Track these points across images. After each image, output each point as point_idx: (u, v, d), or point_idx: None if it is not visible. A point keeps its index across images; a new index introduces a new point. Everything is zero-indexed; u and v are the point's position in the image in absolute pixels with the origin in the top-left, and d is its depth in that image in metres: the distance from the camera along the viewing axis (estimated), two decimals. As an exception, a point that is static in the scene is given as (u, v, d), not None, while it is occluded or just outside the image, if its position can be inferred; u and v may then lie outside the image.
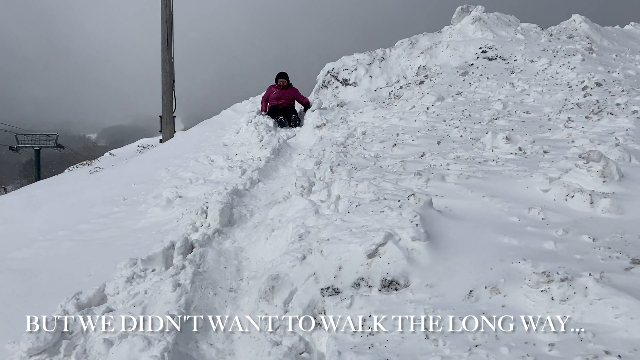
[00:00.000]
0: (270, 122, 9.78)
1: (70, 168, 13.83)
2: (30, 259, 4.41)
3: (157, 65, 14.63)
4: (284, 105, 10.30)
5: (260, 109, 10.74)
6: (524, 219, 3.14)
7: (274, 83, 10.84)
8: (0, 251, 4.67)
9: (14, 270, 4.13)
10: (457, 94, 7.70)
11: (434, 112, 6.88)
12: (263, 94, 11.27)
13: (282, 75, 10.83)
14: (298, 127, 9.86)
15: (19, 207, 7.14)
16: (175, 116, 14.70)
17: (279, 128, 9.71)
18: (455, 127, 5.87)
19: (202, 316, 3.01)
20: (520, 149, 4.65)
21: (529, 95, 7.01)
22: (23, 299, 3.61)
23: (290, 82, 10.76)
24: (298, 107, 10.74)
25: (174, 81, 14.56)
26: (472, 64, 9.33)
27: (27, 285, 3.85)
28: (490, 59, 9.37)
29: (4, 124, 34.16)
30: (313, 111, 9.77)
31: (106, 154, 14.65)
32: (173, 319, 2.77)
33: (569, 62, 8.08)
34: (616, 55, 8.60)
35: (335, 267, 2.88)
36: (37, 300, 3.54)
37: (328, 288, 2.80)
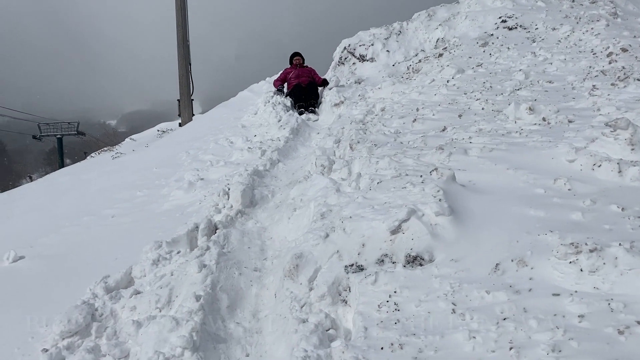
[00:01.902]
0: (288, 101, 9.60)
1: (93, 154, 14.05)
2: (58, 244, 4.49)
3: (173, 49, 14.65)
4: (306, 84, 9.86)
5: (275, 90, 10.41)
6: (549, 190, 3.09)
7: (288, 66, 10.62)
8: (29, 237, 4.76)
9: (43, 256, 4.21)
10: (478, 66, 7.54)
11: (454, 85, 6.76)
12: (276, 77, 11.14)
13: (297, 54, 10.62)
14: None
15: (45, 194, 7.27)
16: (193, 99, 14.76)
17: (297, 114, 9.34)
18: (477, 100, 5.76)
19: (228, 296, 3.04)
20: (544, 119, 4.55)
21: (551, 64, 6.83)
22: (53, 284, 3.69)
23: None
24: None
25: (190, 64, 14.58)
26: (492, 35, 9.11)
27: (56, 270, 3.92)
28: (510, 29, 9.13)
29: (27, 114, 34.67)
30: (330, 89, 9.65)
31: (127, 140, 14.85)
32: (200, 299, 2.80)
33: (592, 28, 7.84)
34: (642, 19, 8.32)
35: (358, 244, 2.87)
36: (67, 285, 3.60)
37: (352, 265, 2.80)
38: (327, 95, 9.45)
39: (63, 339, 2.81)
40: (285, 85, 10.32)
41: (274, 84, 10.52)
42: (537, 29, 8.78)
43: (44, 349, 2.75)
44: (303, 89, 9.71)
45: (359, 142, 5.17)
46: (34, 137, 37.20)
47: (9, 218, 6.00)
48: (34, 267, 4.01)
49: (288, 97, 9.73)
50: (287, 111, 8.96)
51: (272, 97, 9.81)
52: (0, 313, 3.30)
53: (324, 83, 10.20)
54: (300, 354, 2.17)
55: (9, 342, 2.93)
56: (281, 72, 10.71)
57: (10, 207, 6.67)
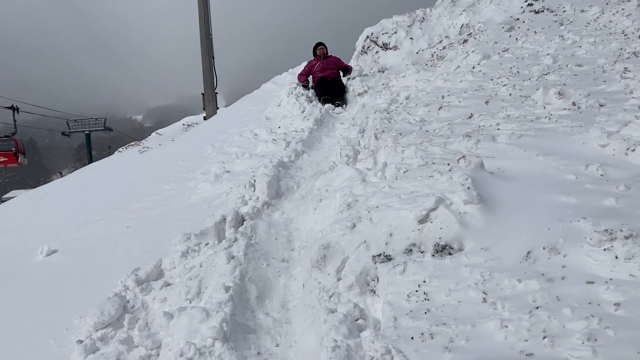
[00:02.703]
0: (311, 92, 9.56)
1: (120, 149, 14.26)
2: (90, 238, 4.57)
3: (196, 43, 14.74)
4: (331, 77, 9.67)
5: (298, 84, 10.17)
6: (581, 176, 3.01)
7: (312, 58, 10.41)
8: (61, 232, 4.87)
9: (74, 250, 4.29)
10: (504, 51, 7.40)
11: (480, 71, 6.64)
12: (299, 68, 11.03)
13: (321, 44, 10.40)
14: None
15: (75, 189, 7.41)
16: (217, 93, 14.85)
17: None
18: (504, 85, 5.65)
19: (256, 286, 3.05)
20: (574, 103, 4.44)
21: (580, 47, 6.65)
22: (85, 277, 3.76)
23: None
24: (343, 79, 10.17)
25: (213, 57, 14.65)
26: (517, 19, 8.92)
27: (88, 263, 4.01)
28: (537, 12, 8.93)
29: (56, 111, 35.36)
30: (354, 78, 9.56)
31: (153, 134, 15.02)
32: (229, 290, 2.82)
33: (623, 9, 7.61)
34: (675, -2, 8.03)
35: (385, 234, 2.85)
36: (98, 277, 3.67)
37: (380, 255, 2.78)
38: (351, 85, 9.40)
39: (97, 330, 2.87)
40: (310, 78, 10.10)
41: (299, 79, 10.24)
42: (564, 11, 8.57)
43: (79, 340, 2.81)
44: (328, 83, 9.48)
45: (384, 132, 5.13)
46: (63, 133, 37.96)
47: (41, 213, 6.14)
48: (67, 261, 4.09)
49: (313, 90, 9.55)
50: (311, 102, 8.95)
51: (295, 88, 9.80)
52: (35, 305, 3.39)
53: (346, 70, 9.99)
54: (330, 343, 2.17)
55: (44, 334, 3.01)
56: (305, 65, 10.49)
57: (43, 202, 6.83)
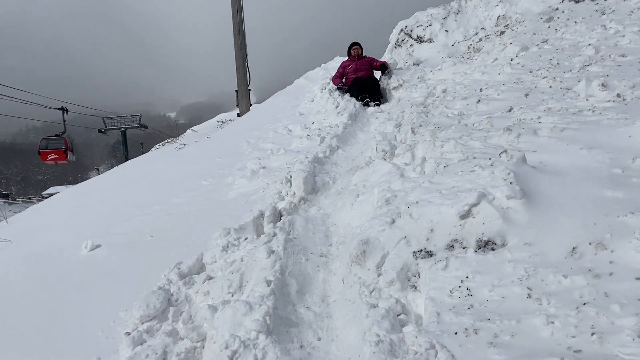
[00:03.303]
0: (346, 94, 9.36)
1: (157, 146, 14.54)
2: (132, 233, 4.68)
3: (228, 41, 14.88)
4: (365, 77, 9.31)
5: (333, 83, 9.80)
6: (628, 170, 2.93)
7: (345, 58, 10.01)
8: (104, 227, 5.00)
9: (118, 245, 4.40)
10: (543, 42, 7.22)
11: (518, 63, 6.51)
12: (331, 63, 10.85)
13: (355, 44, 9.97)
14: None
15: (116, 185, 7.61)
16: (250, 89, 14.97)
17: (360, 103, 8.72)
18: (544, 78, 5.52)
19: (296, 281, 3.09)
20: (618, 95, 4.31)
21: (624, 37, 6.44)
22: (130, 271, 3.86)
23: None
24: (377, 75, 9.78)
25: (246, 55, 14.77)
26: (557, 9, 8.70)
27: (131, 257, 4.10)
28: (577, 1, 8.68)
29: (92, 109, 36.21)
30: (388, 72, 9.45)
31: (188, 131, 15.26)
32: (270, 284, 2.86)
33: (669, -4, 7.35)
34: None
35: (426, 230, 2.84)
36: (142, 271, 3.77)
37: (420, 251, 2.77)
38: (385, 79, 9.33)
39: (143, 322, 2.95)
40: (344, 80, 9.71)
41: (333, 82, 9.79)
42: (606, 0, 8.31)
43: (127, 332, 2.89)
44: (364, 82, 9.14)
45: (421, 126, 5.10)
46: (100, 131, 38.87)
47: (83, 209, 6.32)
48: (111, 255, 4.20)
49: (348, 93, 9.10)
50: (344, 97, 8.92)
51: (329, 83, 9.78)
52: (82, 299, 3.50)
53: (383, 68, 9.60)
54: (373, 338, 2.18)
55: (92, 326, 3.10)
56: (339, 66, 10.05)
57: (84, 198, 7.03)
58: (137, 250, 4.26)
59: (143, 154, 25.56)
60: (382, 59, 10.87)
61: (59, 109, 26.80)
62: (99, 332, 3.03)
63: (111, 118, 39.43)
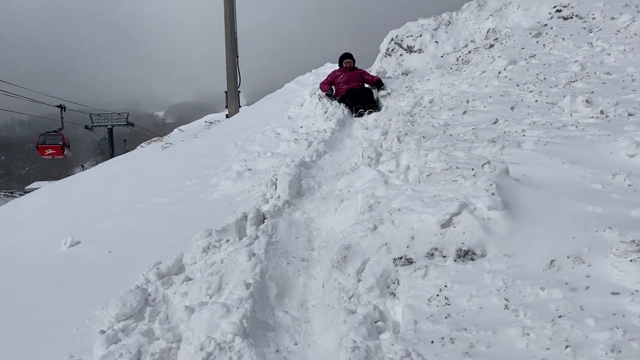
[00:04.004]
0: (335, 103, 9.32)
1: (143, 144, 14.44)
2: (113, 230, 4.64)
3: (219, 42, 14.86)
4: (359, 89, 9.17)
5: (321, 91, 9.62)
6: (608, 185, 2.97)
7: (336, 65, 9.83)
8: (85, 224, 4.95)
9: (98, 242, 4.36)
10: (531, 57, 7.31)
11: (505, 76, 6.58)
12: (322, 69, 10.79)
13: (348, 56, 9.79)
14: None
15: (99, 182, 7.53)
16: (240, 91, 14.95)
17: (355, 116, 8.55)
18: (530, 92, 5.59)
19: (276, 284, 3.07)
20: (602, 112, 4.38)
21: (609, 55, 6.55)
22: (108, 268, 3.82)
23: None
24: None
25: (237, 57, 14.76)
26: (545, 25, 8.81)
27: (110, 255, 4.06)
28: (565, 18, 8.81)
29: (79, 104, 35.89)
30: (384, 88, 9.24)
31: (175, 130, 15.19)
32: (249, 287, 2.84)
33: (654, 17, 7.49)
34: None
35: (407, 237, 2.85)
36: (121, 269, 3.72)
37: (401, 258, 2.78)
38: (373, 88, 9.35)
39: (118, 321, 2.92)
40: (333, 88, 9.60)
41: (322, 88, 9.65)
42: (594, 18, 8.44)
43: (102, 330, 2.86)
44: (358, 93, 9.00)
45: (407, 134, 5.12)
46: (86, 127, 38.51)
47: (65, 204, 6.25)
48: (90, 252, 4.16)
49: (341, 103, 8.92)
50: (333, 103, 8.94)
51: (318, 88, 9.80)
52: (59, 296, 3.45)
53: (379, 84, 9.36)
54: (350, 344, 2.17)
55: (67, 323, 3.05)
56: (329, 74, 9.95)
57: (66, 194, 6.95)
58: (117, 248, 4.22)
59: (127, 151, 25.92)
60: (372, 68, 10.94)
61: (57, 106, 28.61)
62: (73, 329, 2.99)
63: (98, 115, 39.06)
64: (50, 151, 27.16)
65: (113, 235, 4.52)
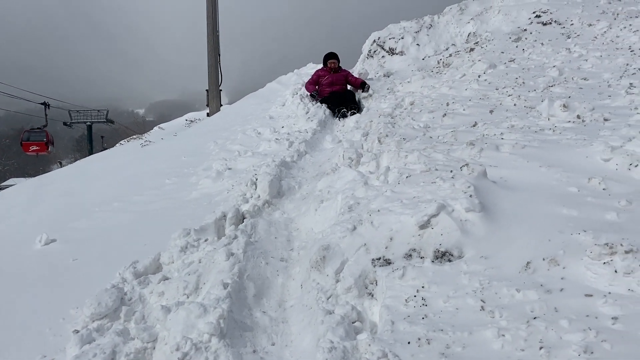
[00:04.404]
0: (318, 104, 9.31)
1: (122, 142, 14.27)
2: (89, 229, 4.58)
3: (202, 39, 14.76)
4: (342, 92, 9.08)
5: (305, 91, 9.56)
6: (583, 189, 3.02)
7: (319, 65, 9.64)
8: (61, 222, 4.87)
9: (74, 240, 4.30)
10: (510, 61, 7.40)
11: (485, 80, 6.65)
12: (304, 69, 10.70)
13: (333, 56, 9.55)
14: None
15: (75, 180, 7.42)
16: (221, 90, 14.87)
17: (338, 119, 8.44)
18: (509, 95, 5.66)
19: (254, 284, 3.06)
20: (578, 116, 4.45)
21: (586, 60, 6.66)
22: (84, 267, 3.77)
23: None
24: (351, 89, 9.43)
25: (219, 55, 14.67)
26: (525, 30, 8.92)
27: (86, 254, 4.01)
28: (544, 24, 8.93)
29: (58, 100, 35.38)
30: (367, 90, 9.24)
31: (155, 128, 15.02)
32: (227, 287, 2.83)
33: (630, 25, 7.61)
34: (683, 16, 8.05)
35: (386, 238, 2.86)
36: (97, 268, 3.68)
37: (379, 258, 2.79)
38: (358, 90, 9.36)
39: (93, 321, 2.88)
40: (317, 88, 9.44)
41: (306, 88, 9.54)
42: (572, 24, 8.58)
43: (75, 330, 2.81)
44: (341, 95, 8.91)
45: (387, 136, 5.14)
46: (65, 123, 37.91)
47: (41, 202, 6.14)
48: (65, 251, 4.09)
49: (324, 104, 8.85)
50: (315, 103, 8.94)
51: (300, 88, 9.79)
52: (32, 294, 3.39)
53: (363, 85, 9.23)
54: (327, 344, 2.17)
55: (40, 323, 3.01)
56: (313, 73, 9.83)
57: (43, 192, 6.83)
58: (93, 246, 4.17)
59: (105, 148, 25.99)
60: (354, 69, 10.94)
61: (41, 103, 29.26)
62: (47, 329, 2.94)
63: (77, 111, 38.51)
64: (35, 148, 27.65)
65: (89, 234, 4.46)
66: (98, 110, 39.33)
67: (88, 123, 38.22)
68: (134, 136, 14.80)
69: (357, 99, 9.15)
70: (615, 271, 2.18)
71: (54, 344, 2.79)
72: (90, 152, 33.48)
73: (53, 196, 6.40)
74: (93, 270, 3.67)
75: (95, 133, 40.18)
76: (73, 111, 38.10)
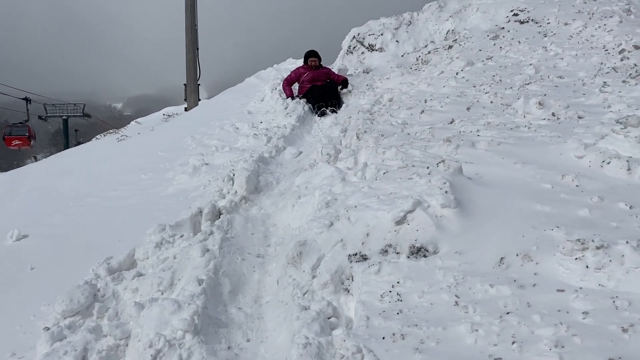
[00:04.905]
0: (295, 89, 9.38)
1: (98, 136, 14.05)
2: (62, 224, 4.50)
3: (181, 33, 14.60)
4: (321, 85, 8.88)
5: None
6: (557, 185, 3.06)
7: (299, 61, 9.61)
8: (34, 217, 4.78)
9: (47, 236, 4.22)
10: (488, 59, 7.47)
11: (463, 77, 6.70)
12: (284, 64, 10.59)
13: (314, 54, 9.41)
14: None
15: (50, 174, 7.27)
16: (199, 84, 14.73)
17: (317, 116, 8.36)
18: (486, 93, 5.71)
19: (230, 281, 3.03)
20: (553, 114, 4.51)
21: (562, 59, 6.75)
22: (56, 263, 3.70)
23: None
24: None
25: (198, 49, 14.53)
26: (503, 28, 9.01)
27: (60, 249, 3.94)
28: (522, 22, 9.02)
29: (33, 94, 34.69)
30: (350, 92, 9.10)
31: (132, 123, 14.83)
32: (202, 283, 2.80)
33: (605, 25, 7.74)
34: (656, 17, 8.22)
35: (362, 234, 2.86)
36: (70, 264, 3.62)
37: (356, 254, 2.79)
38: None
39: (65, 318, 2.83)
40: (296, 86, 9.35)
41: (285, 91, 9.23)
42: (549, 23, 8.69)
43: (46, 327, 2.76)
44: (320, 88, 8.76)
45: (365, 132, 5.15)
46: (40, 117, 37.14)
47: (13, 197, 6.01)
48: (38, 246, 4.02)
49: (304, 99, 8.70)
50: (295, 99, 8.91)
51: (279, 84, 9.74)
52: (2, 291, 3.32)
53: (345, 83, 9.23)
54: (302, 340, 2.16)
55: (10, 320, 2.95)
56: (292, 72, 9.63)
57: (15, 187, 6.68)
58: (67, 242, 4.10)
59: (79, 142, 26.01)
60: (333, 65, 10.93)
61: (23, 99, 29.87)
62: (17, 326, 2.89)
63: (53, 105, 37.75)
64: (17, 142, 28.56)
65: (63, 229, 4.39)
66: (74, 104, 38.59)
67: (64, 117, 37.49)
68: (111, 131, 14.59)
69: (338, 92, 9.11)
70: (587, 267, 2.21)
71: (24, 341, 2.74)
72: (66, 147, 32.88)
73: (26, 191, 6.27)
74: (65, 267, 3.61)
75: (71, 127, 39.45)
76: (49, 105, 37.34)
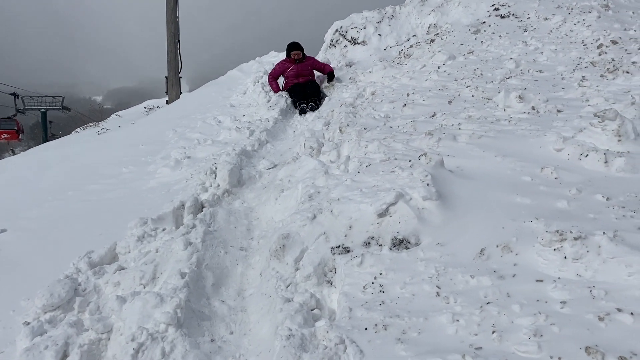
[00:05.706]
0: (281, 83, 9.29)
1: (78, 130, 13.86)
2: (42, 218, 4.43)
3: (162, 25, 14.43)
4: (304, 83, 8.78)
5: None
6: (536, 178, 3.11)
7: (285, 57, 9.34)
8: (13, 211, 4.69)
9: (26, 230, 4.15)
10: (469, 53, 7.53)
11: (445, 71, 6.75)
12: (266, 57, 10.47)
13: (296, 46, 9.20)
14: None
15: (28, 168, 7.15)
16: (181, 77, 14.60)
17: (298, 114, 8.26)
18: (467, 87, 5.76)
19: (213, 274, 3.03)
20: (533, 108, 4.57)
21: (542, 53, 6.84)
22: (36, 257, 3.65)
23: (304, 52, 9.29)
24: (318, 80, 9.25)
25: (179, 41, 14.39)
26: (484, 22, 9.08)
27: (39, 244, 3.88)
28: (502, 17, 9.10)
29: (10, 86, 34.08)
30: (333, 85, 9.08)
31: (113, 116, 14.64)
32: (185, 276, 2.79)
33: (584, 20, 7.85)
34: (633, 12, 8.32)
35: (345, 227, 2.88)
36: (50, 259, 3.57)
37: (338, 247, 2.80)
38: (318, 78, 9.35)
39: (45, 312, 2.79)
40: (282, 80, 9.24)
41: (270, 84, 9.17)
42: (529, 18, 8.77)
43: (26, 322, 2.72)
44: (302, 86, 8.68)
45: (348, 125, 5.16)
46: (18, 110, 36.47)
47: (-9, 191, 5.90)
48: (18, 240, 3.96)
49: (287, 94, 8.67)
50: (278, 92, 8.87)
51: (262, 77, 9.69)
52: (-19, 286, 3.26)
53: (331, 75, 9.16)
54: (285, 332, 2.17)
55: (-11, 315, 2.90)
56: (276, 64, 9.46)
57: (-7, 180, 6.57)
58: (46, 236, 4.03)
59: (54, 135, 26.18)
60: (316, 57, 10.87)
61: (11, 94, 31.06)
62: (-5, 321, 2.84)
63: (31, 97, 37.04)
64: (6, 136, 29.30)
65: (42, 223, 4.32)
66: (53, 97, 37.90)
67: (42, 110, 36.82)
68: (91, 124, 14.40)
69: (320, 89, 9.08)
70: (565, 257, 2.25)
71: (3, 336, 2.70)
72: (45, 140, 32.35)
73: (4, 185, 6.16)
74: (46, 261, 3.55)
75: (53, 121, 38.78)
76: (26, 97, 36.65)
